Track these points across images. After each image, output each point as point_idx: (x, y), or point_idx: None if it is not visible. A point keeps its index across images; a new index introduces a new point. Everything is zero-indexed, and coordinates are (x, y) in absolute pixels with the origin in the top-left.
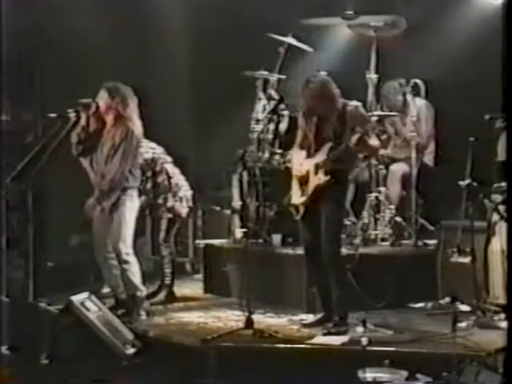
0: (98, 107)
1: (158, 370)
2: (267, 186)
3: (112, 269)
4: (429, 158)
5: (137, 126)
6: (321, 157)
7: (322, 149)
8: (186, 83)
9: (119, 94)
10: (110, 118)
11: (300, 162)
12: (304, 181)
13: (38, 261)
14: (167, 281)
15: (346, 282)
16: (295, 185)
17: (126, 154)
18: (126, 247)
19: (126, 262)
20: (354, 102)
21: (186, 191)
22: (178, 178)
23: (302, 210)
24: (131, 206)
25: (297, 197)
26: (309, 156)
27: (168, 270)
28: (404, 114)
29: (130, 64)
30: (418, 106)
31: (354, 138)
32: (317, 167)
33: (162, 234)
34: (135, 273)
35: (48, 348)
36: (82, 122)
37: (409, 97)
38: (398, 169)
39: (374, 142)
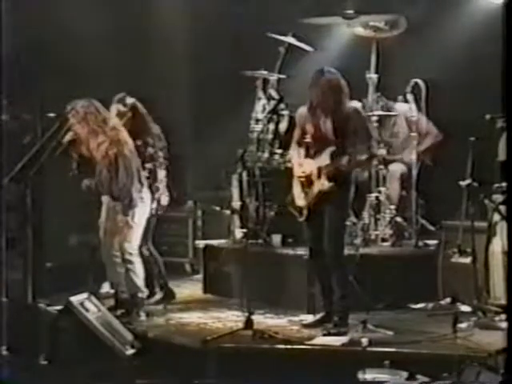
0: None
1: (158, 370)
2: (267, 186)
3: (116, 267)
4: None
5: (125, 140)
6: (323, 161)
7: (324, 152)
8: (185, 83)
9: (90, 121)
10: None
11: (299, 161)
12: (306, 183)
13: (37, 261)
14: (160, 282)
15: (349, 283)
16: (297, 186)
17: (126, 168)
18: (131, 247)
19: (130, 261)
20: (355, 103)
21: (162, 195)
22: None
23: (305, 211)
24: (142, 207)
25: (300, 199)
26: (308, 155)
27: (156, 271)
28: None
29: (129, 63)
30: (403, 114)
31: (345, 160)
32: (319, 171)
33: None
34: (138, 273)
35: (47, 348)
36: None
37: (390, 103)
38: (397, 168)
39: (375, 149)
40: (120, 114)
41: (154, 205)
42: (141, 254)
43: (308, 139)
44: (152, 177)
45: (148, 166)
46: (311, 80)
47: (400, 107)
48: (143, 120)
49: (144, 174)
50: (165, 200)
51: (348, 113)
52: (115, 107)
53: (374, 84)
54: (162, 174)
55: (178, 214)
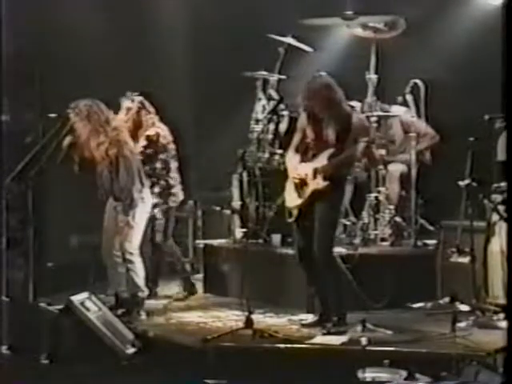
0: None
1: (158, 369)
2: (267, 186)
3: (117, 267)
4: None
5: (125, 140)
6: (321, 162)
7: (322, 154)
8: (185, 83)
9: (92, 120)
10: (95, 140)
11: (295, 165)
12: (300, 184)
13: (37, 261)
14: (185, 275)
15: (343, 283)
16: (290, 187)
17: (127, 168)
18: (131, 247)
19: (130, 261)
20: (354, 103)
21: (178, 189)
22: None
23: (295, 212)
24: (143, 207)
25: (292, 200)
26: (305, 160)
27: (179, 267)
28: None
29: (129, 64)
30: (400, 117)
31: (360, 147)
32: (315, 172)
33: (160, 234)
34: (138, 273)
35: (48, 348)
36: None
37: (386, 107)
38: (397, 168)
39: (378, 152)
40: (128, 109)
41: (172, 197)
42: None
43: (308, 142)
44: (166, 168)
45: (162, 156)
46: (303, 89)
47: (396, 110)
48: (151, 116)
49: (158, 165)
50: (180, 193)
51: (345, 115)
52: (125, 103)
53: (373, 85)
54: (174, 165)
55: (178, 214)
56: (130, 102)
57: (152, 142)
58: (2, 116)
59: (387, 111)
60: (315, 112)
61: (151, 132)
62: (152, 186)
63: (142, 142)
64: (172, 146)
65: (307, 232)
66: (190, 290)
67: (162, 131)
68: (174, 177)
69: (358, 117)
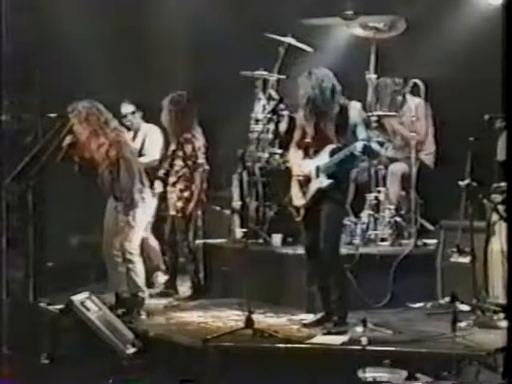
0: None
1: (158, 369)
2: (267, 186)
3: (117, 266)
4: (428, 159)
5: (125, 141)
6: (322, 159)
7: (323, 150)
8: (185, 83)
9: (92, 122)
10: (97, 141)
11: (298, 162)
12: (305, 182)
13: (37, 261)
14: (195, 278)
15: (346, 283)
16: (295, 186)
17: (127, 169)
18: (132, 247)
19: (130, 261)
20: (354, 102)
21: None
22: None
23: (302, 211)
24: (143, 207)
25: (298, 199)
26: (307, 156)
27: (191, 268)
28: (401, 113)
29: (128, 64)
30: (415, 104)
31: (359, 146)
32: (318, 170)
33: (180, 234)
34: (139, 273)
35: (48, 348)
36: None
37: (406, 96)
38: (398, 168)
39: (376, 147)
40: (175, 102)
41: (194, 200)
42: (180, 251)
43: (308, 140)
44: (193, 170)
45: (200, 160)
46: (300, 83)
47: (411, 99)
48: (192, 117)
49: (200, 170)
50: (203, 196)
51: (346, 111)
52: (168, 98)
53: (373, 84)
54: (201, 169)
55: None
56: (180, 97)
57: (187, 144)
58: (2, 116)
59: (402, 90)
60: (314, 105)
61: (188, 135)
62: (175, 184)
63: (178, 144)
64: (203, 150)
65: (314, 230)
66: (200, 289)
67: (198, 134)
68: (199, 179)
69: (349, 105)
